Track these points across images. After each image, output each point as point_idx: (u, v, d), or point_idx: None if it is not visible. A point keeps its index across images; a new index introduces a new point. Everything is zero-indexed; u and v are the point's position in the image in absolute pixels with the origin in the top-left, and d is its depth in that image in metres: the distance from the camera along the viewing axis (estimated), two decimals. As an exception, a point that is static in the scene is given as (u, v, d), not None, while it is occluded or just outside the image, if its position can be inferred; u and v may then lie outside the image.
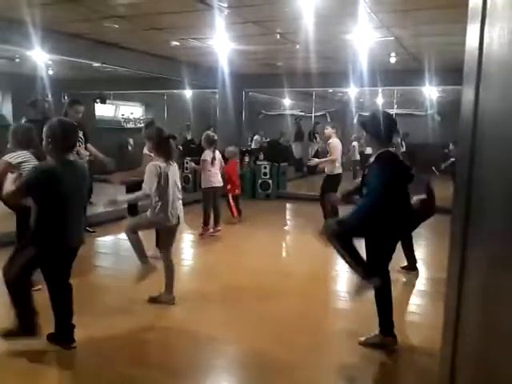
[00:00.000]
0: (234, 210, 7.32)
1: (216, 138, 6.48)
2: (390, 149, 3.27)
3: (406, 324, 3.81)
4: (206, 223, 6.40)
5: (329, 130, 6.90)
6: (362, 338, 3.27)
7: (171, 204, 3.84)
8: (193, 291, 4.38)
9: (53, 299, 3.12)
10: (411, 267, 4.86)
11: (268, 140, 14.30)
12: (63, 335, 3.12)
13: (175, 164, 3.97)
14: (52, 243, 2.94)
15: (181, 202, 4.02)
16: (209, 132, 6.73)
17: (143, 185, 3.73)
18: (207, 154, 6.30)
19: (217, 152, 6.44)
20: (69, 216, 2.98)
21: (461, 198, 1.47)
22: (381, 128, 3.12)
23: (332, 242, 3.17)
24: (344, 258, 3.22)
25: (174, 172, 3.91)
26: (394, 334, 3.21)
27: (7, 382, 2.83)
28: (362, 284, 3.18)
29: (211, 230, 6.44)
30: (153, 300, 3.94)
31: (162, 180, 3.76)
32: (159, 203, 3.77)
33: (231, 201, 7.31)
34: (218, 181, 6.45)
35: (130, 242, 3.87)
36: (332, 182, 6.70)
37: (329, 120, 15.64)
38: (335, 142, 6.77)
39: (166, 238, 4.04)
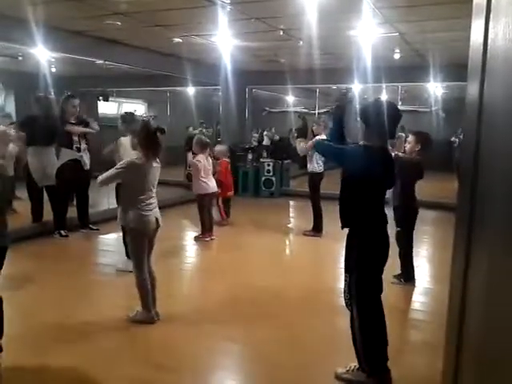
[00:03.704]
0: (222, 212, 7.12)
1: (208, 141, 6.28)
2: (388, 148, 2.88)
3: (409, 322, 3.80)
4: (204, 230, 6.23)
5: (316, 128, 6.71)
6: (340, 370, 2.85)
7: (150, 205, 3.52)
8: (195, 290, 4.37)
9: None
10: (406, 277, 4.52)
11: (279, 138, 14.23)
12: None
13: (158, 163, 3.61)
14: None
15: (156, 203, 3.64)
16: (200, 136, 6.53)
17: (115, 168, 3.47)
18: (200, 158, 6.08)
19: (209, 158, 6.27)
20: None
21: (465, 194, 1.45)
22: (384, 120, 2.60)
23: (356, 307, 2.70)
24: (361, 340, 2.69)
25: (155, 172, 3.58)
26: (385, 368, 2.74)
27: None
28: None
29: (207, 238, 6.22)
30: (131, 320, 3.58)
31: (140, 180, 3.47)
32: (138, 205, 3.45)
33: (220, 203, 7.09)
34: (213, 186, 6.25)
35: (137, 285, 3.54)
36: (317, 179, 6.64)
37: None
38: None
39: (147, 245, 3.61)
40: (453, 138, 12.21)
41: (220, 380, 3.06)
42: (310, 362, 3.06)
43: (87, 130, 6.31)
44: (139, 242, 3.54)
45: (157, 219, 3.58)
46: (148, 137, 3.49)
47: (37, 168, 6.05)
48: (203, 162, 6.10)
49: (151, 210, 3.53)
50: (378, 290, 2.74)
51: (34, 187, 6.15)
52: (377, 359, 2.72)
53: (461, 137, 11.46)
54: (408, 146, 4.46)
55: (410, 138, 4.43)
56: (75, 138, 6.18)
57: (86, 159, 6.30)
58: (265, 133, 13.58)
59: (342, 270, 2.81)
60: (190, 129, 12.48)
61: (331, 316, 3.87)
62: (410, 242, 4.50)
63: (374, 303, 2.74)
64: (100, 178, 3.55)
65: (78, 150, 6.21)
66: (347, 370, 2.85)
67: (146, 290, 3.57)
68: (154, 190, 3.62)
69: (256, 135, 13.84)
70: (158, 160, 3.59)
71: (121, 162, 3.57)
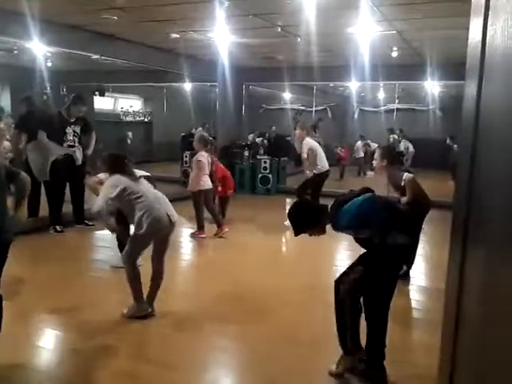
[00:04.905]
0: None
1: (211, 138, 6.20)
2: None
3: (406, 320, 3.80)
4: (200, 227, 6.17)
5: (298, 132, 6.68)
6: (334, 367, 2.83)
7: (157, 204, 3.47)
8: (191, 287, 4.37)
9: None
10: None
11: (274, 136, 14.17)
12: None
13: (142, 180, 3.62)
14: None
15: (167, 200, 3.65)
16: (202, 132, 6.41)
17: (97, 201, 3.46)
18: (203, 155, 5.99)
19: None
20: None
21: (462, 193, 1.44)
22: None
23: (344, 297, 2.75)
24: (344, 322, 2.76)
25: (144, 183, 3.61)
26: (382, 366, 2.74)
27: None
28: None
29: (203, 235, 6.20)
30: (126, 316, 3.55)
31: (130, 190, 3.44)
32: (142, 210, 3.39)
33: (217, 202, 6.87)
34: (209, 183, 6.13)
35: (128, 278, 3.50)
36: (314, 181, 6.58)
37: (329, 115, 15.58)
38: (307, 143, 6.53)
39: (159, 244, 3.59)
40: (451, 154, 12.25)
41: (216, 376, 3.05)
42: (306, 359, 3.06)
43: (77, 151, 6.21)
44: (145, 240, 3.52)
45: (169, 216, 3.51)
46: (114, 167, 3.55)
47: (36, 163, 6.02)
48: (206, 159, 6.00)
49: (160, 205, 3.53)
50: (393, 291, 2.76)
51: (32, 182, 6.10)
52: (378, 358, 2.73)
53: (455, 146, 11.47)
54: (375, 163, 4.43)
55: (376, 153, 4.42)
56: (69, 137, 6.15)
57: (79, 154, 6.25)
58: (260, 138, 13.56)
59: (338, 268, 2.81)
60: (193, 129, 12.28)
61: (328, 313, 3.87)
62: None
63: (388, 307, 2.72)
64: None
65: (71, 146, 6.19)
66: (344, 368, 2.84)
67: (137, 281, 3.52)
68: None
69: (260, 139, 13.74)
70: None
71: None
